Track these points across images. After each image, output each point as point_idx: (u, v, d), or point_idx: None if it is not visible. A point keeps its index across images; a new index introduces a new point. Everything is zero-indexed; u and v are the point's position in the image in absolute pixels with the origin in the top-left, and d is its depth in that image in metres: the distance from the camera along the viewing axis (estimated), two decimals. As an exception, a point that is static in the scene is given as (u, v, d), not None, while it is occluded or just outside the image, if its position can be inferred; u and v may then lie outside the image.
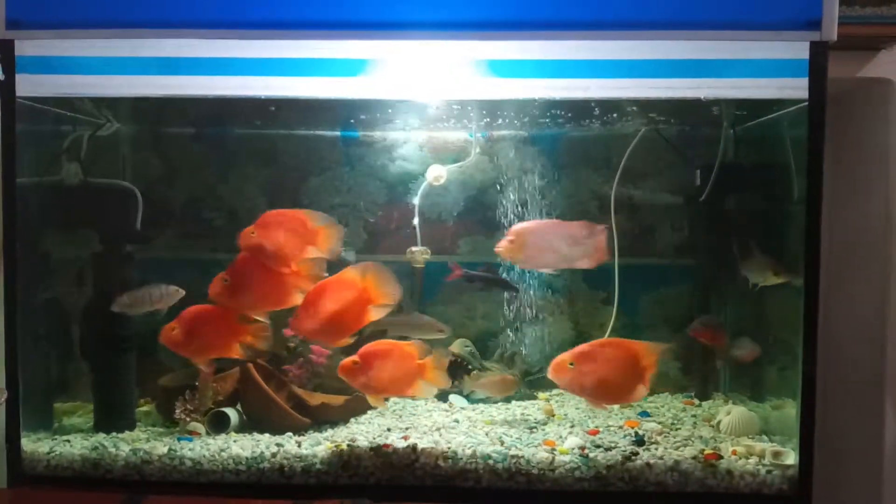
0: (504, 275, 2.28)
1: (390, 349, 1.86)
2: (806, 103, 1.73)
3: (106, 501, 1.70)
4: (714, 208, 2.27)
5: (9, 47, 1.77)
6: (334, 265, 1.99)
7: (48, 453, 1.83)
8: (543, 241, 1.90)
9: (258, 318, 1.87)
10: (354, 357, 1.84)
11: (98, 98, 2.02)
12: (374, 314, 1.85)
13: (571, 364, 1.77)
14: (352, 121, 2.34)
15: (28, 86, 1.81)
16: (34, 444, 1.86)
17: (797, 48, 1.71)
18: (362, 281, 1.84)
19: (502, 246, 1.90)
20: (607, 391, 1.79)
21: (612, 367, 1.78)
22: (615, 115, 2.18)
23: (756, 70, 1.78)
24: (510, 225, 2.32)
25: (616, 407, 2.26)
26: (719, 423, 2.05)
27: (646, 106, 2.06)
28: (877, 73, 2.00)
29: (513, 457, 1.79)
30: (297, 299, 1.85)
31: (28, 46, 1.79)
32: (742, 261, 2.06)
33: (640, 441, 1.90)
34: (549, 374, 1.80)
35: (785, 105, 1.92)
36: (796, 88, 1.73)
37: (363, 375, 1.83)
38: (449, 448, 1.81)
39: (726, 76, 1.81)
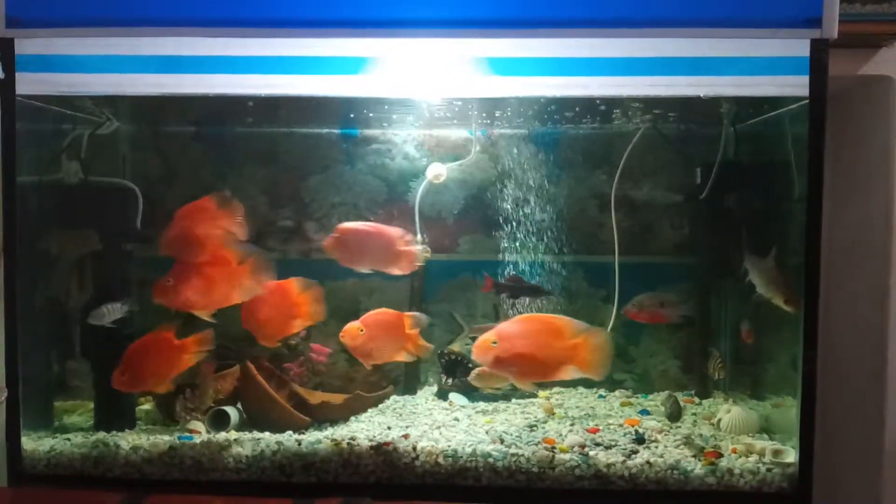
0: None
1: (389, 318, 1.96)
2: (807, 101, 1.73)
3: (106, 500, 1.70)
4: (714, 206, 2.27)
5: (9, 46, 1.77)
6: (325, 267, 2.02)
7: (48, 452, 1.83)
8: (361, 243, 1.97)
9: (204, 317, 1.89)
10: (359, 324, 1.94)
11: (98, 96, 2.02)
12: (298, 326, 1.99)
13: (494, 342, 1.76)
14: (351, 117, 2.34)
15: (28, 84, 1.81)
16: (34, 443, 1.86)
17: (798, 46, 1.71)
18: (299, 295, 1.97)
19: (326, 242, 1.97)
20: (531, 368, 1.77)
21: (534, 343, 1.76)
22: (617, 112, 2.17)
23: (757, 68, 1.78)
24: (507, 223, 2.34)
25: (616, 405, 2.27)
26: (719, 421, 2.05)
27: (650, 104, 2.05)
28: (877, 71, 1.99)
29: (513, 455, 1.79)
30: (241, 296, 1.90)
31: (28, 45, 1.79)
32: (754, 260, 1.99)
33: (640, 439, 1.90)
34: (474, 356, 1.80)
35: (786, 103, 1.92)
36: (797, 86, 1.73)
37: (365, 342, 1.92)
38: (449, 446, 1.81)
39: (727, 74, 1.80)
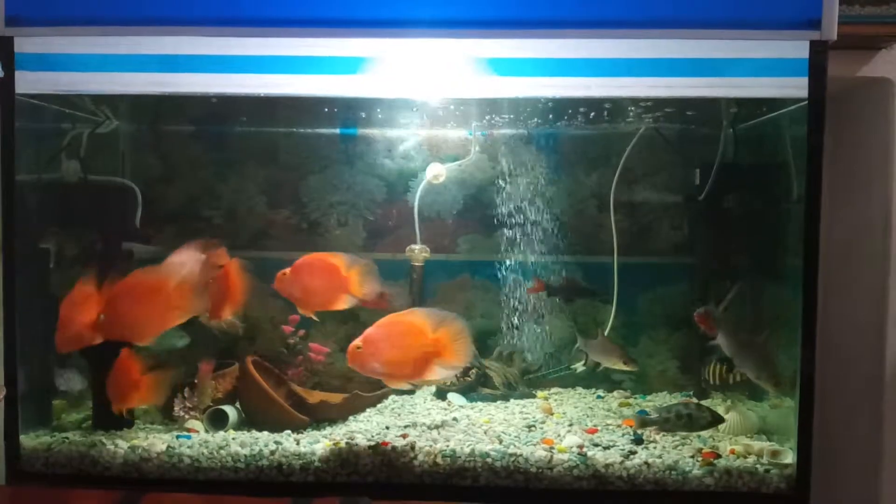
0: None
1: (316, 261, 1.93)
2: (806, 102, 1.73)
3: (104, 499, 1.70)
4: (713, 207, 2.27)
5: (8, 44, 1.77)
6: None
7: (47, 450, 1.83)
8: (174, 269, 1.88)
9: (143, 344, 1.86)
10: (286, 270, 1.92)
11: (97, 95, 2.02)
12: (175, 321, 1.85)
13: (359, 347, 1.80)
14: (350, 116, 2.34)
15: (27, 83, 1.80)
16: (33, 441, 1.86)
17: (797, 47, 1.71)
18: (167, 287, 1.84)
19: None
20: (399, 369, 1.82)
21: (398, 344, 1.81)
22: (616, 113, 2.18)
23: (756, 69, 1.78)
24: (507, 222, 2.35)
25: (613, 405, 2.27)
26: (718, 421, 2.05)
27: (652, 104, 2.05)
28: (876, 73, 2.00)
29: (511, 455, 1.79)
30: (178, 318, 1.85)
31: (27, 43, 1.79)
32: (741, 353, 1.94)
33: (638, 440, 1.90)
34: (349, 363, 1.84)
35: (785, 104, 1.92)
36: (796, 87, 1.73)
37: (293, 286, 1.91)
38: (447, 446, 1.82)
39: (726, 75, 1.81)
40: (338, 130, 2.44)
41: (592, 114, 2.17)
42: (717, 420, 1.97)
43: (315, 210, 2.44)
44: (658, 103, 2.02)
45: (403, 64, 1.86)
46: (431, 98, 2.06)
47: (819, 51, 1.70)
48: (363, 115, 2.29)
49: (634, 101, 1.99)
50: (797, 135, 1.79)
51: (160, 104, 2.17)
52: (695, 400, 2.23)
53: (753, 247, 2.20)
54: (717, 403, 2.23)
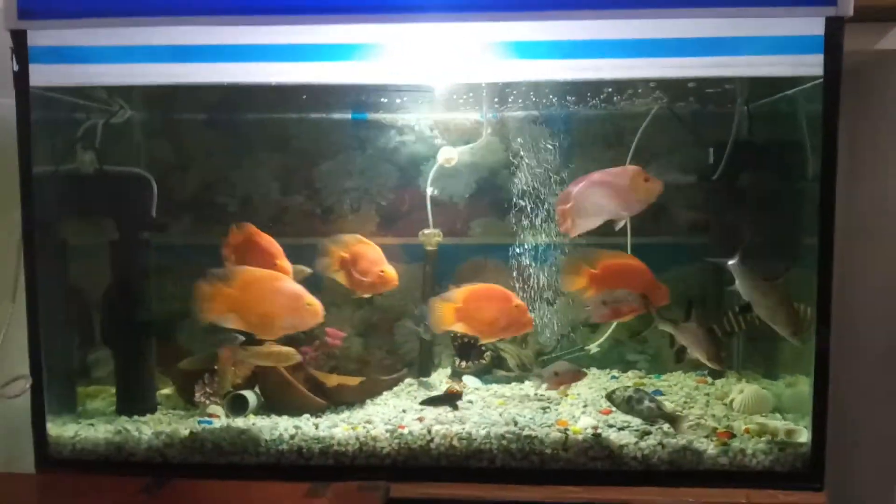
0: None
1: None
2: (821, 80, 1.70)
3: (131, 485, 1.74)
4: (728, 186, 2.25)
5: (21, 37, 1.78)
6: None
7: (73, 437, 1.88)
8: None
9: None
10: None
11: (111, 86, 2.03)
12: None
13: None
14: (362, 103, 2.34)
15: (41, 75, 1.82)
16: (59, 429, 1.90)
17: (812, 24, 1.68)
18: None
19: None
20: None
21: None
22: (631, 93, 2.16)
23: (771, 47, 1.75)
24: (518, 205, 2.34)
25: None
26: (732, 401, 2.05)
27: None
28: (894, 46, 1.96)
29: (526, 437, 1.81)
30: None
31: (40, 36, 1.80)
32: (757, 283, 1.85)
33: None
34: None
35: (801, 82, 1.89)
36: (812, 65, 1.70)
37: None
38: (463, 429, 1.84)
39: (740, 54, 1.78)
40: (349, 116, 2.44)
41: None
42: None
43: (329, 195, 2.45)
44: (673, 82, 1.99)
45: (414, 48, 1.85)
46: (443, 82, 2.05)
47: (835, 27, 1.67)
48: (374, 100, 2.28)
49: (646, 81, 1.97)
50: (813, 112, 1.76)
51: (173, 93, 2.18)
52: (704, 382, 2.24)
53: (770, 225, 2.18)
54: (731, 381, 2.24)
